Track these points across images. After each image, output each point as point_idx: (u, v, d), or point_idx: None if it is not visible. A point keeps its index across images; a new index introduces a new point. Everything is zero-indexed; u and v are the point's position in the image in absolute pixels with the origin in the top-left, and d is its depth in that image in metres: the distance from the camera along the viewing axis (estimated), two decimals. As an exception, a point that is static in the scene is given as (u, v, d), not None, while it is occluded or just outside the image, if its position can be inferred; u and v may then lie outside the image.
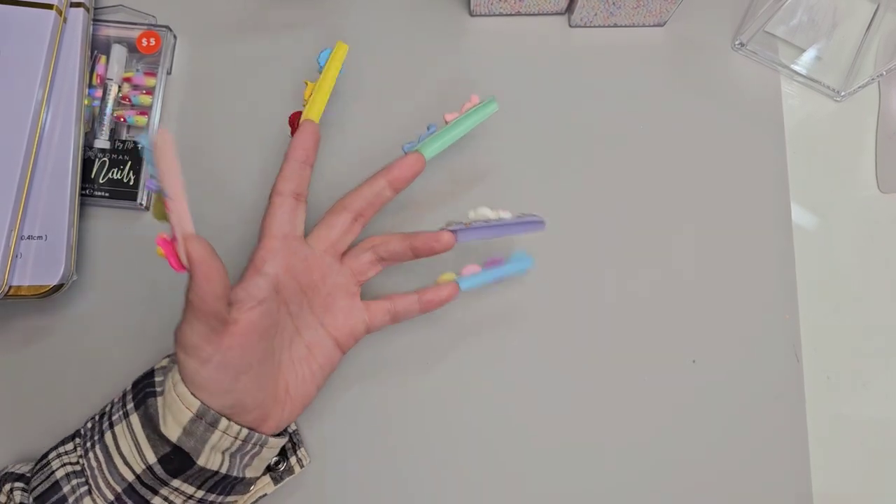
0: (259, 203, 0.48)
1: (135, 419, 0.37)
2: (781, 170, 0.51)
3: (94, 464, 0.38)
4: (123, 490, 0.37)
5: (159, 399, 0.37)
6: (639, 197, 0.50)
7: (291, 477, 0.44)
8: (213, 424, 0.36)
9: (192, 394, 0.35)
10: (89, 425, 0.40)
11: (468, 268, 0.43)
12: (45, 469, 0.39)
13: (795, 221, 0.50)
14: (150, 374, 0.39)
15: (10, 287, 0.42)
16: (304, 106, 0.43)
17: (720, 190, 0.50)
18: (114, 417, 0.38)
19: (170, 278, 0.47)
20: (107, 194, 0.47)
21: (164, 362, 0.40)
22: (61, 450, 0.40)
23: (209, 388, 0.35)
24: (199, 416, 0.35)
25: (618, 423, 0.47)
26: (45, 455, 0.40)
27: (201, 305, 0.33)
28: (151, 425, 0.36)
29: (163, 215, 0.33)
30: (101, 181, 0.47)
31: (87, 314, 0.47)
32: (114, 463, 0.37)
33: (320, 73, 0.43)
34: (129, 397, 0.39)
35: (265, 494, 0.43)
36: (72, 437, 0.41)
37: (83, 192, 0.47)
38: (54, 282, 0.43)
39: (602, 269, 0.49)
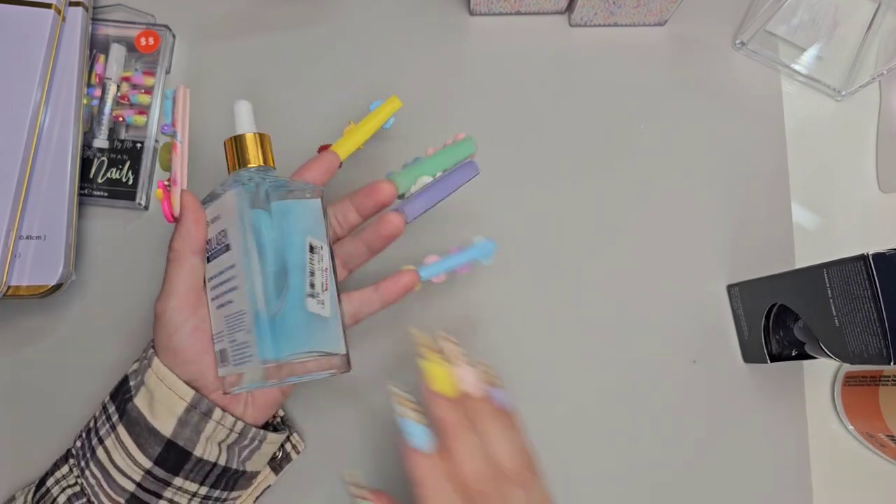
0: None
1: (121, 430, 0.37)
2: (781, 169, 0.51)
3: (92, 482, 0.38)
4: (126, 501, 0.37)
5: (139, 398, 0.37)
6: (639, 196, 0.50)
7: (289, 464, 0.44)
8: (208, 414, 0.37)
9: (176, 375, 0.36)
10: (79, 444, 0.40)
11: (428, 258, 0.42)
12: (46, 498, 0.38)
13: (795, 221, 0.50)
14: (124, 381, 0.39)
15: (9, 287, 0.42)
16: (341, 139, 0.42)
17: (720, 189, 0.50)
18: (101, 432, 0.38)
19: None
20: (105, 194, 0.47)
21: (136, 366, 0.39)
22: (58, 475, 0.39)
23: (183, 354, 0.36)
24: (193, 406, 0.36)
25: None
26: (43, 482, 0.40)
27: (184, 253, 0.37)
28: (138, 428, 0.36)
29: (167, 164, 0.40)
30: (99, 181, 0.47)
31: (85, 314, 0.47)
32: (112, 477, 0.37)
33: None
34: (112, 409, 0.38)
35: (269, 486, 0.43)
36: (65, 459, 0.40)
37: (82, 191, 0.47)
38: (53, 282, 0.43)
39: (601, 269, 0.49)
